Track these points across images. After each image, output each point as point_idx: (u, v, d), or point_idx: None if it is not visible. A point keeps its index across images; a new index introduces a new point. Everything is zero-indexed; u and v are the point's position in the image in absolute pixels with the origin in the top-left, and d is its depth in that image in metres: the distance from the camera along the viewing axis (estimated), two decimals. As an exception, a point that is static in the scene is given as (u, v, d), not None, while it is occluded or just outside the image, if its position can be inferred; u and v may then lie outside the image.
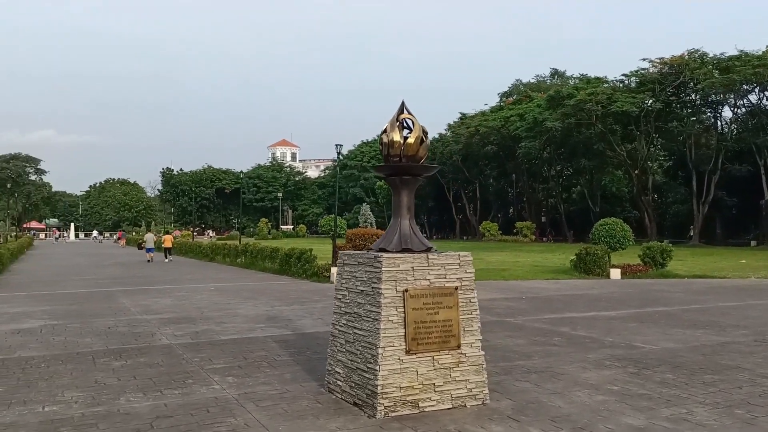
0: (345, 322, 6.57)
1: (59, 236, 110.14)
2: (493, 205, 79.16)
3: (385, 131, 6.53)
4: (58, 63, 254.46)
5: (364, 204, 25.57)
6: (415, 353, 6.07)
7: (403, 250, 6.19)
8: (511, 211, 79.56)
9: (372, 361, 6.04)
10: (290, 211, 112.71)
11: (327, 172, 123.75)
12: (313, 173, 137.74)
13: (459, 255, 6.37)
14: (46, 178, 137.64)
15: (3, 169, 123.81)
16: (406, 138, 6.38)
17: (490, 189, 78.62)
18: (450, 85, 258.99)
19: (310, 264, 21.77)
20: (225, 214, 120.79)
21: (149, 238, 35.31)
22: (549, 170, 69.41)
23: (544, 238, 66.72)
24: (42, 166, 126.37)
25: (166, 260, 33.68)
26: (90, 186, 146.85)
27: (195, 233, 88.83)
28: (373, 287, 6.09)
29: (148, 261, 33.02)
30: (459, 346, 6.28)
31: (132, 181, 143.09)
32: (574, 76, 74.45)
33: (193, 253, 38.23)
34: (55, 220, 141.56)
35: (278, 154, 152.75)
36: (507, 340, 9.98)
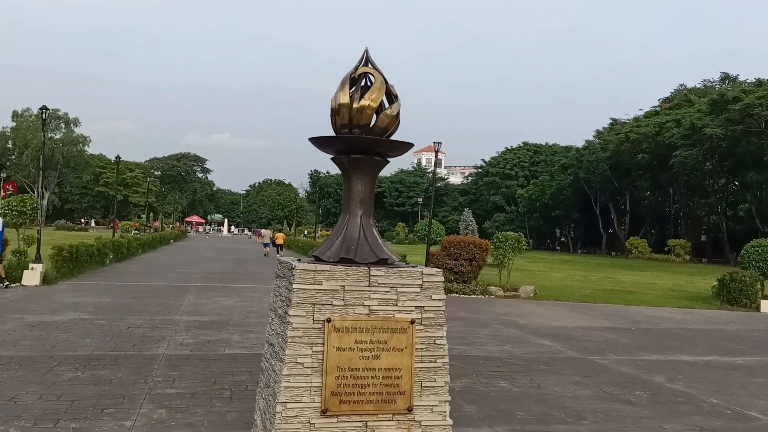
0: (268, 356, 4.80)
1: (209, 230, 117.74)
2: (646, 220, 72.33)
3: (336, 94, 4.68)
4: (246, 78, 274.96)
5: (466, 210, 23.42)
6: (336, 415, 4.14)
7: (342, 261, 4.33)
8: (665, 227, 72.27)
9: (270, 421, 4.21)
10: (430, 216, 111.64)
11: (470, 178, 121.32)
12: (456, 179, 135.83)
13: (422, 273, 4.35)
14: (211, 177, 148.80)
15: (173, 167, 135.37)
16: (357, 99, 4.48)
17: (642, 202, 71.93)
18: (611, 95, 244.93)
19: (403, 272, 20.06)
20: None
21: (266, 233, 36.02)
22: (711, 184, 61.90)
23: (703, 259, 59.56)
24: (209, 165, 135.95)
25: (278, 255, 33.90)
26: (250, 185, 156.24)
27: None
28: (285, 312, 4.28)
29: (265, 255, 33.57)
30: (410, 409, 4.26)
31: (287, 182, 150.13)
32: (747, 81, 65.88)
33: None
34: (219, 215, 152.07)
35: (424, 160, 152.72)
36: (566, 389, 7.61)
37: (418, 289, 4.32)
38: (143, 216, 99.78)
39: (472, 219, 20.22)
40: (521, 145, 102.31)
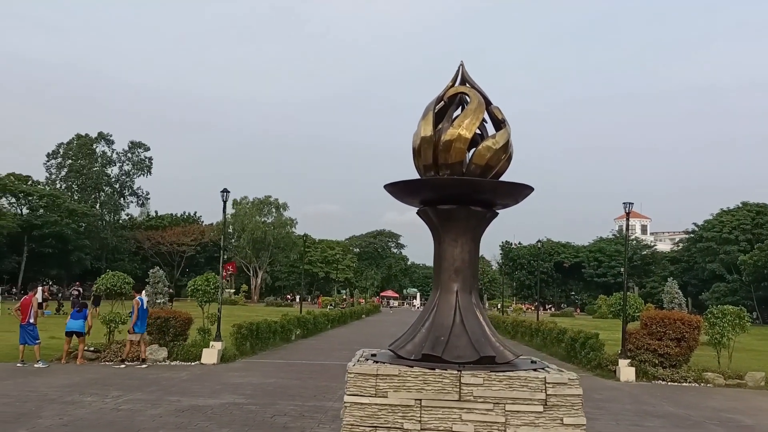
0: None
1: (393, 304, 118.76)
2: None
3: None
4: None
5: (670, 279, 20.12)
6: None
7: (427, 358, 2.97)
8: None
9: None
10: (635, 288, 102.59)
11: (681, 245, 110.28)
12: (664, 246, 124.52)
13: (546, 380, 2.83)
14: (405, 252, 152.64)
15: (370, 243, 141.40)
16: (445, 129, 3.21)
17: None
18: None
19: (596, 353, 17.51)
20: (564, 289, 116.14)
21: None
22: None
23: None
24: (403, 241, 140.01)
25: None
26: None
27: (533, 308, 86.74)
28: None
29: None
30: None
31: (480, 256, 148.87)
32: None
33: (498, 329, 35.91)
34: (414, 289, 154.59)
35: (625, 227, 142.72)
36: None
37: (540, 408, 2.80)
38: (343, 291, 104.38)
39: (678, 291, 17.21)
40: (740, 205, 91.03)
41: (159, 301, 18.72)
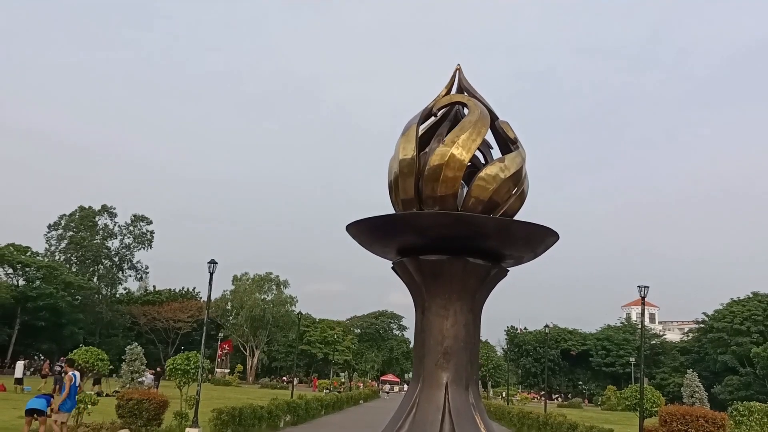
0: None
1: (388, 389, 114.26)
2: None
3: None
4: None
5: (689, 371, 18.62)
6: None
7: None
8: None
9: None
10: (646, 380, 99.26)
11: (690, 335, 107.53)
12: (674, 336, 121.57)
13: None
14: (407, 334, 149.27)
15: (372, 324, 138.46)
16: (432, 151, 2.22)
17: None
18: None
19: (610, 452, 15.90)
20: (572, 378, 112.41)
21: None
22: None
23: None
24: (405, 323, 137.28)
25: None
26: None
27: (539, 397, 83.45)
28: None
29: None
30: None
31: (483, 340, 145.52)
32: None
33: (503, 420, 33.82)
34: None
35: (633, 314, 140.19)
36: None
37: None
38: (342, 374, 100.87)
39: (699, 384, 15.85)
40: (750, 295, 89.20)
41: (137, 380, 17.37)
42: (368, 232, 2.35)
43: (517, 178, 2.34)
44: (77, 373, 14.09)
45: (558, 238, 2.47)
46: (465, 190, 2.34)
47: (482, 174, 2.28)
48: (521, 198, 2.29)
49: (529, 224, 2.14)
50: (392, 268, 2.52)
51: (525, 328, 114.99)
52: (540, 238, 2.24)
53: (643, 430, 15.12)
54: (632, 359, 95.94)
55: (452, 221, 2.10)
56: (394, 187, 2.40)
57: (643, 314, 17.19)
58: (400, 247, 2.34)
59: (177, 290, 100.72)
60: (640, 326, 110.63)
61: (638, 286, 15.88)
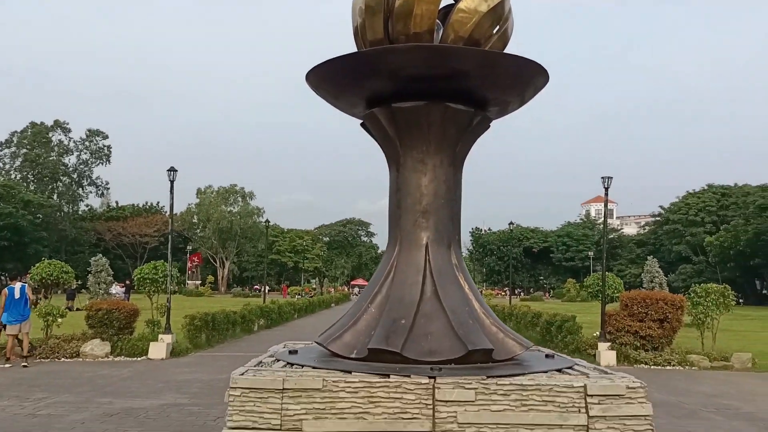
0: None
1: (358, 291, 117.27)
2: None
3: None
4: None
5: (649, 258, 19.27)
6: None
7: (375, 357, 1.74)
8: None
9: None
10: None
11: (647, 228, 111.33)
12: (631, 230, 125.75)
13: (590, 382, 1.61)
14: (375, 240, 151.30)
15: (340, 232, 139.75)
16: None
17: None
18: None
19: (573, 336, 16.56)
20: (533, 273, 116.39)
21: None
22: None
23: None
24: (373, 229, 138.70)
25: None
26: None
27: (503, 293, 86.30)
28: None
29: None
30: None
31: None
32: None
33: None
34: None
35: (593, 211, 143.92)
36: None
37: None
38: (312, 281, 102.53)
39: (659, 270, 16.29)
40: (705, 187, 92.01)
41: (105, 291, 17.21)
42: (332, 78, 2.10)
43: (500, 14, 2.10)
44: (16, 286, 13.51)
45: (548, 78, 2.28)
46: (441, 31, 2.10)
47: (461, 5, 2.04)
48: (503, 40, 2.09)
49: (517, 57, 1.94)
50: (361, 124, 2.31)
51: (489, 229, 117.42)
52: (529, 77, 2.04)
53: (605, 314, 15.70)
54: (591, 253, 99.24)
55: (430, 55, 1.88)
56: (360, 31, 2.13)
57: (606, 203, 17.43)
58: (369, 96, 2.10)
59: (141, 205, 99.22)
60: (598, 222, 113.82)
61: (602, 178, 15.96)
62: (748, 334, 24.31)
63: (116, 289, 31.22)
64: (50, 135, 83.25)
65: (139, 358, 14.50)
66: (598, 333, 16.02)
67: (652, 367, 14.42)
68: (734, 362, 14.69)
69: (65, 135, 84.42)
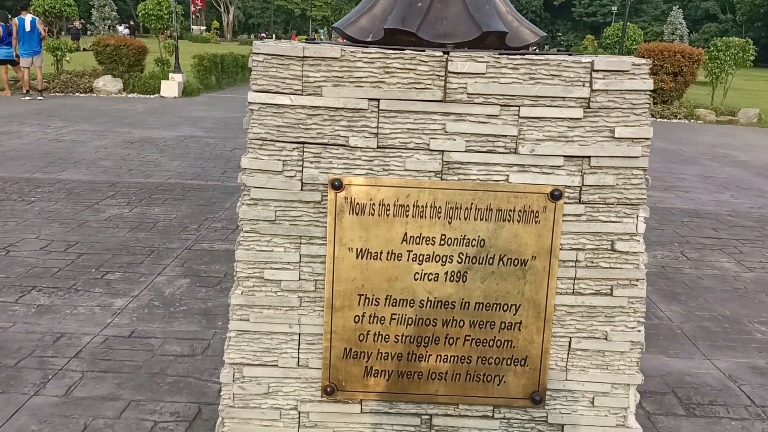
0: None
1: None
2: None
3: None
4: None
5: (675, 8, 18.04)
6: (351, 401, 1.81)
7: (390, 38, 1.78)
8: None
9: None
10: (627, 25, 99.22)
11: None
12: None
13: (592, 65, 1.67)
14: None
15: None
16: None
17: None
18: None
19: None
20: (551, 29, 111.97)
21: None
22: None
23: None
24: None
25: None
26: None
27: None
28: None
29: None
30: (537, 400, 1.80)
31: None
32: None
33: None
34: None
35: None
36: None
37: (578, 113, 1.68)
38: (321, 30, 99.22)
39: (682, 21, 15.49)
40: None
41: (110, 26, 16.83)
42: None
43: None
44: (26, 17, 13.21)
45: None
46: None
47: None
48: None
49: None
50: None
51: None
52: None
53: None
54: (614, 8, 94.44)
55: None
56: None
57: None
58: None
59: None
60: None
61: None
62: (761, 93, 24.13)
63: (121, 28, 30.50)
64: None
65: (152, 96, 14.69)
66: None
67: (659, 120, 14.58)
68: (740, 117, 14.81)
69: None
